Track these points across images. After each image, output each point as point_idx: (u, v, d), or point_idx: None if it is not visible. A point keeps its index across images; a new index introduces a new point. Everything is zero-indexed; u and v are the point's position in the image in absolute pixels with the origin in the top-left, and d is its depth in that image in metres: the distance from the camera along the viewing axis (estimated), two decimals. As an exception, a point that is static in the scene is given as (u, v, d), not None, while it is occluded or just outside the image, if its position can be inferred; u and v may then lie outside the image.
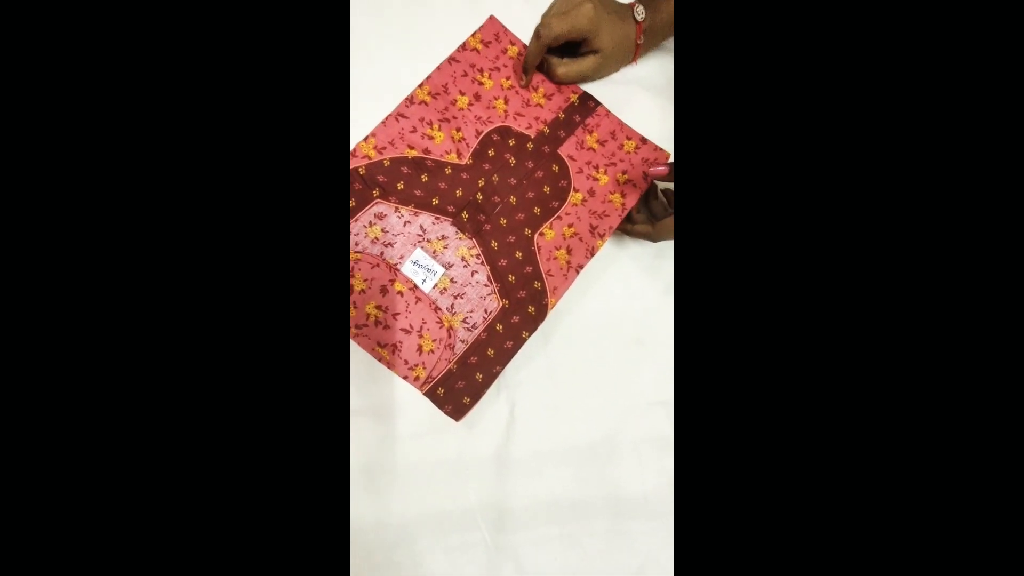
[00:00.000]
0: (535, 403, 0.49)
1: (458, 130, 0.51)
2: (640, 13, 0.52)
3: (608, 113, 0.53)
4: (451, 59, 0.52)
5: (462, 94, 0.51)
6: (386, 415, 0.48)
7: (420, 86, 0.51)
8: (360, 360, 0.47)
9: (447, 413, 0.47)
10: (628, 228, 0.51)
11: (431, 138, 0.50)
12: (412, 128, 0.50)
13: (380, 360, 0.47)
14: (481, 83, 0.52)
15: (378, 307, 0.47)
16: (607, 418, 0.50)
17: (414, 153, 0.50)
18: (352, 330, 0.46)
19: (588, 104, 0.53)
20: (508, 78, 0.53)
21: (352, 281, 0.47)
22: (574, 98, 0.53)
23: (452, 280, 0.49)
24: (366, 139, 0.49)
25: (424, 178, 0.49)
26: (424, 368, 0.47)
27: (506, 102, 0.52)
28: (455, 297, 0.48)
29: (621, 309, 0.52)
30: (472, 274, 0.49)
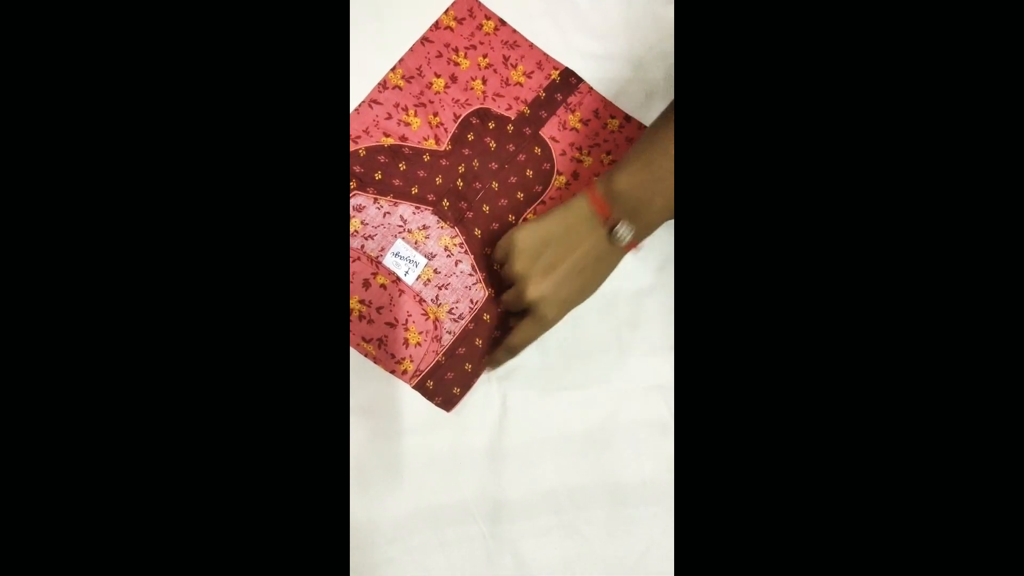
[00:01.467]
0: (528, 391, 0.48)
1: (435, 115, 0.49)
2: (623, 236, 0.40)
3: (591, 90, 0.51)
4: (424, 39, 0.50)
5: (437, 76, 0.49)
6: (376, 411, 0.47)
7: (392, 70, 0.49)
8: (345, 357, 0.46)
9: (437, 404, 0.46)
10: None
11: (407, 124, 0.48)
12: (387, 115, 0.48)
13: (365, 355, 0.46)
14: (457, 63, 0.50)
15: (361, 301, 0.46)
16: (602, 404, 0.49)
17: (390, 141, 0.48)
18: (334, 327, 0.45)
19: (570, 81, 0.51)
20: (485, 56, 0.51)
21: (332, 277, 0.45)
22: (555, 74, 0.51)
23: (436, 271, 0.47)
24: (340, 128, 0.47)
25: (402, 166, 0.48)
26: (411, 361, 0.46)
27: (484, 82, 0.50)
28: (439, 288, 0.47)
29: (612, 291, 0.50)
30: (456, 264, 0.48)
